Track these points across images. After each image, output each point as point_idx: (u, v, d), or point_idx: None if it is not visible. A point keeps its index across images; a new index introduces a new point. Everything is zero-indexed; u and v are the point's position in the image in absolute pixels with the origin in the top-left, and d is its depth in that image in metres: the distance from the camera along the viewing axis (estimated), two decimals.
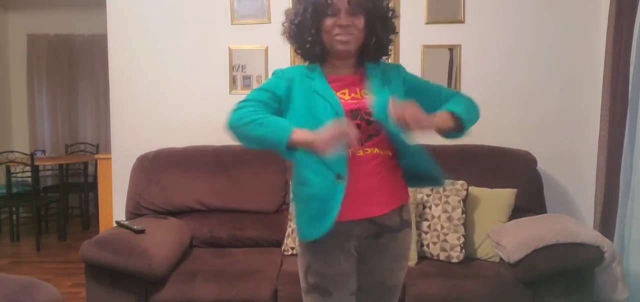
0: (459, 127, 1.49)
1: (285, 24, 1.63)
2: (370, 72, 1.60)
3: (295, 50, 1.63)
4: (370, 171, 1.50)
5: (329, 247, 1.53)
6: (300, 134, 1.38)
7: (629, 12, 2.65)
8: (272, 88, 1.55)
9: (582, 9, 3.09)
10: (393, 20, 1.61)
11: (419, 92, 1.58)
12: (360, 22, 1.52)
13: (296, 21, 1.56)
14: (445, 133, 1.48)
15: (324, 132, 1.33)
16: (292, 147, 1.39)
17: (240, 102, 1.51)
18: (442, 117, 1.47)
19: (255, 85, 3.21)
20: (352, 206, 1.48)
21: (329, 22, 1.51)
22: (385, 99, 1.43)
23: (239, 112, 1.46)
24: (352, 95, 1.56)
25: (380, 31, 1.57)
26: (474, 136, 3.07)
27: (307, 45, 1.56)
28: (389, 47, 1.65)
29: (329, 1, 1.49)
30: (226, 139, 3.07)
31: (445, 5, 3.12)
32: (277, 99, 1.54)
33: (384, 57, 1.66)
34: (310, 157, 1.41)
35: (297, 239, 1.61)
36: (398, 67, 1.68)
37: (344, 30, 1.51)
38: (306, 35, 1.55)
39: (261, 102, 1.51)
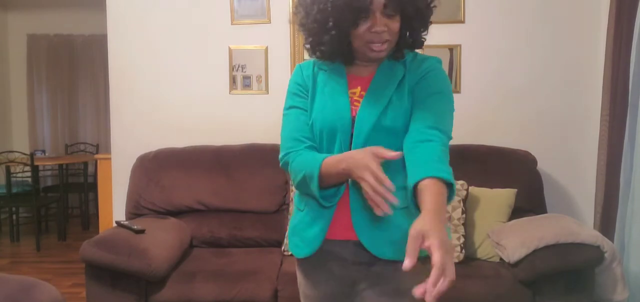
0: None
1: (299, 12, 1.34)
2: (382, 66, 1.34)
3: (304, 45, 1.37)
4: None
5: (314, 266, 1.36)
6: (329, 162, 1.21)
7: (629, 12, 2.65)
8: (301, 104, 1.36)
9: (582, 9, 3.09)
10: (431, 11, 1.33)
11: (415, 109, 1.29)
12: (396, 24, 1.25)
13: (316, 15, 1.26)
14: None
15: (365, 157, 1.13)
16: (327, 181, 1.23)
17: (285, 149, 1.33)
18: (442, 207, 1.08)
19: (255, 86, 3.21)
20: (336, 223, 1.30)
21: (362, 26, 1.24)
22: (371, 114, 1.26)
23: (290, 169, 1.32)
24: (361, 93, 1.34)
25: (416, 28, 1.31)
26: (474, 136, 3.12)
27: (329, 46, 1.29)
28: (425, 35, 1.37)
29: (368, 4, 1.21)
30: (226, 139, 3.13)
31: (445, 5, 3.11)
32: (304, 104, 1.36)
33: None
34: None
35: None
36: (428, 67, 1.32)
37: (379, 37, 1.24)
38: (327, 34, 1.27)
39: (298, 141, 1.32)
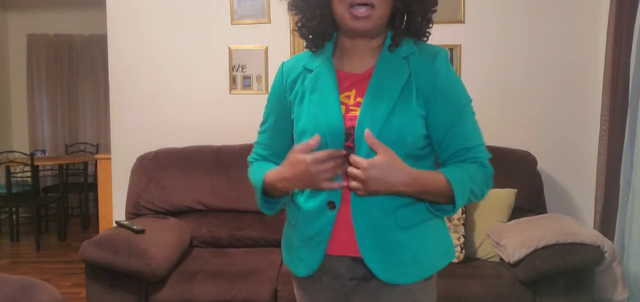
0: (447, 200, 1.13)
1: None
2: (378, 67, 1.16)
3: (296, 24, 1.23)
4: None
5: (312, 282, 1.26)
6: (270, 175, 1.19)
7: (629, 12, 2.65)
8: (271, 108, 1.31)
9: (582, 9, 3.09)
10: None
11: (434, 125, 1.14)
12: None
13: None
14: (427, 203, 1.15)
15: (294, 163, 1.10)
16: (271, 193, 1.22)
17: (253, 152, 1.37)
18: (426, 182, 1.10)
19: (255, 86, 3.21)
20: (334, 239, 1.17)
21: None
22: (373, 125, 1.10)
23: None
24: (357, 99, 1.15)
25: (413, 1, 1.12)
26: None
27: (314, 21, 1.16)
28: (427, 27, 1.19)
29: None
30: (226, 139, 3.13)
31: (445, 5, 3.10)
32: (284, 114, 1.27)
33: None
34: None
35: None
36: (433, 61, 1.14)
37: None
38: (312, 6, 1.15)
39: (261, 145, 1.35)
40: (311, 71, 1.21)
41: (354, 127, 1.12)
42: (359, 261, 1.16)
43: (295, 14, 1.21)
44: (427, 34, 1.20)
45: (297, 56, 1.29)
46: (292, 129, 1.23)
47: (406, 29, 1.16)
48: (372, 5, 1.08)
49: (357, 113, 1.13)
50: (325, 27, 1.17)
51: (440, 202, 1.14)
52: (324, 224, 1.17)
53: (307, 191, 1.20)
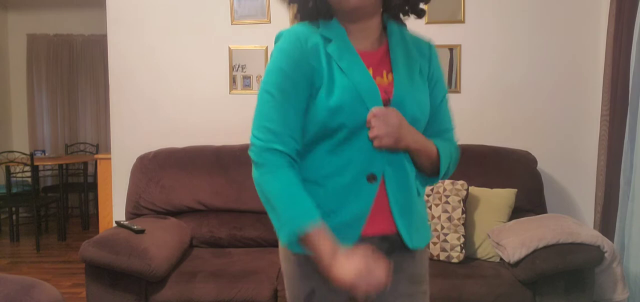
0: (433, 172, 1.22)
1: None
2: (392, 43, 1.18)
3: (294, 15, 1.21)
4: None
5: None
6: (321, 237, 1.03)
7: (629, 12, 2.65)
8: (285, 78, 1.10)
9: (582, 9, 3.09)
10: None
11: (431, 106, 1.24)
12: None
13: None
14: (417, 169, 1.21)
15: (352, 261, 0.99)
16: (302, 242, 1.06)
17: (263, 139, 1.09)
18: (425, 143, 1.17)
19: (255, 86, 3.21)
20: (369, 224, 1.15)
21: None
22: (411, 103, 1.14)
23: (258, 173, 1.10)
24: (377, 79, 1.15)
25: None
26: (474, 136, 3.12)
27: (310, 3, 1.14)
28: (421, 3, 1.20)
29: None
30: (226, 139, 3.13)
31: (445, 5, 3.12)
32: (303, 84, 1.10)
33: (413, 19, 1.23)
34: (335, 159, 1.12)
35: (287, 255, 1.20)
36: (430, 49, 1.24)
37: None
38: None
39: (275, 133, 1.09)
40: (330, 40, 1.14)
41: (390, 100, 1.14)
42: (385, 237, 1.17)
43: (293, 4, 1.20)
44: (422, 12, 1.22)
45: (299, 26, 1.16)
46: (306, 102, 1.11)
47: (403, 4, 1.18)
48: None
49: (386, 85, 1.14)
50: (322, 13, 1.16)
51: (426, 167, 1.21)
52: (363, 201, 1.12)
53: (340, 161, 1.12)
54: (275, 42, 1.16)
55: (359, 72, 1.11)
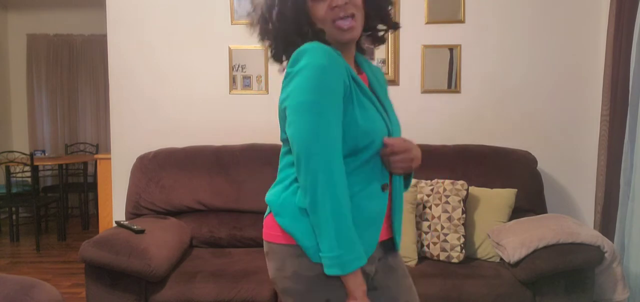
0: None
1: (254, 16, 1.29)
2: (367, 72, 1.32)
3: (273, 54, 1.30)
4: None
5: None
6: (358, 279, 1.13)
7: (629, 12, 2.65)
8: (337, 101, 1.13)
9: (582, 9, 3.09)
10: None
11: None
12: None
13: (275, 14, 1.20)
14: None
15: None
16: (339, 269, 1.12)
17: (328, 162, 1.10)
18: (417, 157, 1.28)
19: (255, 86, 3.21)
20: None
21: (320, 7, 1.16)
22: (396, 119, 1.31)
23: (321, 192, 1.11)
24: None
25: (382, 3, 1.26)
26: (474, 136, 3.12)
27: (293, 41, 1.21)
28: (386, 33, 1.34)
29: None
30: (226, 139, 3.13)
31: (445, 5, 3.12)
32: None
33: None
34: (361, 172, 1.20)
35: (297, 274, 1.25)
36: (383, 75, 1.40)
37: (343, 10, 1.15)
38: (298, 27, 1.18)
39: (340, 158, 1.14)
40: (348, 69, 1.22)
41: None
42: (383, 242, 1.30)
43: (267, 42, 1.30)
44: (384, 40, 1.36)
45: (321, 44, 1.17)
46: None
47: (372, 35, 1.31)
48: (352, 16, 1.19)
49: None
50: (308, 37, 1.20)
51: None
52: (381, 206, 1.24)
53: (363, 175, 1.19)
54: (300, 57, 1.13)
55: (378, 105, 1.25)
